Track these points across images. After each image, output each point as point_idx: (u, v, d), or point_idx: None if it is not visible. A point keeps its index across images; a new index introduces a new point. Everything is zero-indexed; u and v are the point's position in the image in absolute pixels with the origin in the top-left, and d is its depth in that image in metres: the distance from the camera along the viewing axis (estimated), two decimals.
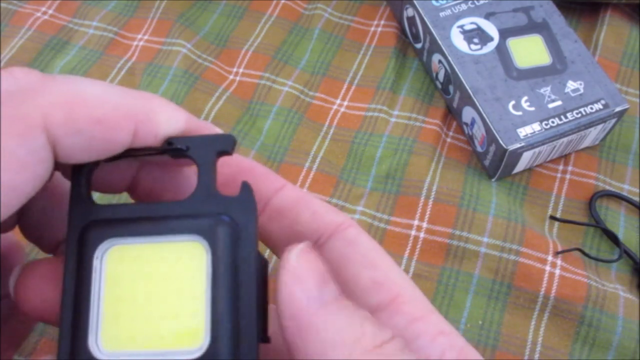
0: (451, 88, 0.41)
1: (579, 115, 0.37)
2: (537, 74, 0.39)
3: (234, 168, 0.22)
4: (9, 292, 0.20)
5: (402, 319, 0.19)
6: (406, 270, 0.36)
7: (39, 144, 0.17)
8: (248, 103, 0.43)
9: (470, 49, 0.40)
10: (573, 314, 0.34)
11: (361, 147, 0.40)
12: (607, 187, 0.39)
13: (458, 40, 0.40)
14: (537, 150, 0.37)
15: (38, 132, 0.17)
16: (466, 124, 0.40)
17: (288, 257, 0.18)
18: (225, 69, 0.44)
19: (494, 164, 0.38)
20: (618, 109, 0.38)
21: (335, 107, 0.42)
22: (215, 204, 0.19)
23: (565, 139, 0.38)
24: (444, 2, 0.42)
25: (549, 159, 0.40)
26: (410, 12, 0.43)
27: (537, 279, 0.35)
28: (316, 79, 0.44)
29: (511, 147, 0.36)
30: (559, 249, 0.36)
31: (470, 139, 0.41)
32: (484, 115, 0.37)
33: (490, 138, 0.37)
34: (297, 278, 0.17)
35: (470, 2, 0.42)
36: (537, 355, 0.33)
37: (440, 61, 0.41)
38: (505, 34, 0.40)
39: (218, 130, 0.21)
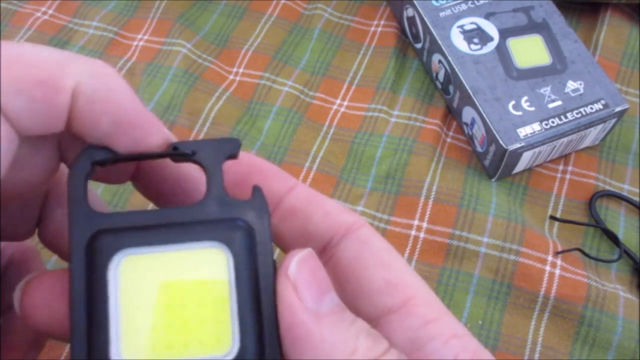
0: (451, 88, 0.41)
1: (579, 115, 0.37)
2: (537, 74, 0.39)
3: (245, 167, 0.21)
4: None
5: (415, 321, 0.19)
6: None
7: None
8: (248, 103, 0.43)
9: (470, 49, 0.40)
10: (573, 314, 0.34)
11: (361, 147, 0.40)
12: (607, 187, 0.39)
13: (458, 40, 0.40)
14: (537, 150, 0.37)
15: None
16: (466, 124, 0.40)
17: (287, 265, 0.17)
18: (225, 69, 0.44)
19: (494, 164, 0.38)
20: (618, 109, 0.38)
21: (335, 107, 0.42)
22: (229, 208, 0.19)
23: (565, 139, 0.38)
24: (444, 2, 0.42)
25: (549, 159, 0.40)
26: (410, 12, 0.43)
27: (537, 279, 0.35)
28: (316, 79, 0.44)
29: (511, 147, 0.36)
30: (559, 249, 0.36)
31: (470, 139, 0.41)
32: (484, 115, 0.37)
33: (490, 138, 0.37)
34: (295, 288, 0.17)
35: (470, 2, 0.42)
36: (537, 355, 0.33)
37: (440, 61, 0.41)
38: (505, 34, 0.40)
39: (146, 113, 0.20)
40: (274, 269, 0.19)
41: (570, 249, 0.36)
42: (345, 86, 0.43)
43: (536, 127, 0.37)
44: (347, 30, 0.46)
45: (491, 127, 0.37)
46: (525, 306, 0.35)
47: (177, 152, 0.20)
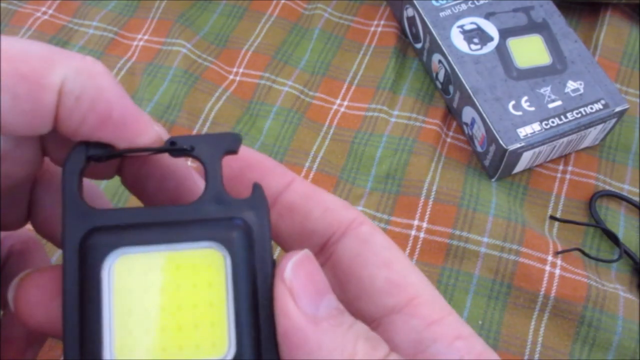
0: (451, 88, 0.41)
1: (579, 115, 0.37)
2: (537, 74, 0.39)
3: (242, 162, 0.21)
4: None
5: (419, 322, 0.19)
6: None
7: None
8: (248, 103, 0.43)
9: (470, 49, 0.40)
10: (573, 314, 0.34)
11: (361, 147, 0.40)
12: (607, 187, 0.39)
13: (458, 40, 0.40)
14: (537, 150, 0.37)
15: None
16: (466, 124, 0.40)
17: (283, 268, 0.17)
18: (225, 69, 0.44)
19: (494, 164, 0.38)
20: (618, 109, 0.38)
21: (335, 107, 0.42)
22: (227, 207, 0.19)
23: (565, 139, 0.38)
24: (444, 2, 0.42)
25: (549, 159, 0.40)
26: (410, 12, 0.43)
27: (537, 279, 0.35)
28: (316, 79, 0.44)
29: (511, 147, 0.36)
30: (559, 249, 0.36)
31: (470, 139, 0.41)
32: (484, 115, 0.37)
33: (490, 138, 0.37)
34: (291, 292, 0.17)
35: (470, 2, 0.42)
36: (537, 355, 0.33)
37: (440, 61, 0.41)
38: (505, 34, 0.40)
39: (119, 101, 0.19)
40: (273, 269, 0.18)
41: (570, 249, 0.36)
42: (345, 86, 0.43)
43: (536, 127, 0.37)
44: (347, 30, 0.46)
45: (491, 127, 0.37)
46: (525, 306, 0.35)
47: (174, 148, 0.19)
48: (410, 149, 0.40)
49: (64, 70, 0.17)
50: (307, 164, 0.40)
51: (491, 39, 0.40)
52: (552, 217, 0.38)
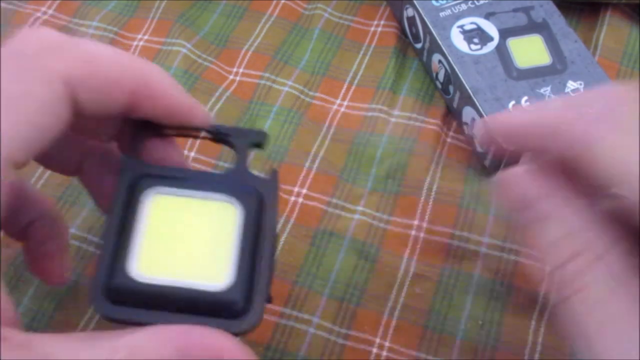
0: (451, 88, 0.41)
1: None
2: (537, 74, 0.39)
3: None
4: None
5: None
6: (406, 270, 0.36)
7: (60, 93, 0.20)
8: (248, 103, 0.43)
9: (470, 49, 0.40)
10: None
11: (361, 147, 0.40)
12: None
13: (458, 40, 0.40)
14: None
15: (60, 83, 0.20)
16: (466, 124, 0.40)
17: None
18: (225, 69, 0.44)
19: (494, 164, 0.38)
20: None
21: (335, 107, 0.42)
22: (249, 179, 0.25)
23: None
24: (444, 2, 0.42)
25: None
26: (410, 12, 0.43)
27: (538, 279, 0.35)
28: (316, 79, 0.44)
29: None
30: None
31: (470, 139, 0.41)
32: (484, 115, 0.37)
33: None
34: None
35: (470, 2, 0.42)
36: (537, 356, 0.33)
37: (440, 61, 0.41)
38: (505, 34, 0.40)
39: (200, 108, 0.25)
40: (275, 235, 0.24)
41: None
42: (345, 86, 0.43)
43: None
44: (347, 30, 0.46)
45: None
46: (525, 306, 0.35)
47: (217, 132, 0.25)
48: (411, 149, 0.40)
49: (136, 76, 0.23)
50: (307, 164, 0.40)
51: (491, 39, 0.40)
52: None
